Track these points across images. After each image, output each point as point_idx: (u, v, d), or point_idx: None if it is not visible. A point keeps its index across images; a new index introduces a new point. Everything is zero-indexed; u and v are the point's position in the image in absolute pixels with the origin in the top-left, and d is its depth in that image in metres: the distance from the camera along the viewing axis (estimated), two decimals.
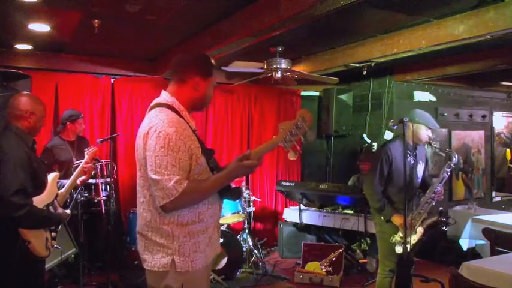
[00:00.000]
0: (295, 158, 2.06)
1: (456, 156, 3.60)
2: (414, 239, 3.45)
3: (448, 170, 3.53)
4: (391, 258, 3.55)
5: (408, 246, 3.23)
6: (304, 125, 2.01)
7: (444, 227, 3.53)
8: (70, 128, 4.63)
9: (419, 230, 3.50)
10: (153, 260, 1.97)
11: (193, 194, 1.92)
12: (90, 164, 3.86)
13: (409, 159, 3.51)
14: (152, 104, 2.11)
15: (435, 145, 3.69)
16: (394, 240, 3.48)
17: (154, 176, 1.87)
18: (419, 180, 3.70)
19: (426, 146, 3.79)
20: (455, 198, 6.49)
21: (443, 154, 3.61)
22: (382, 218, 3.56)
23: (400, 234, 3.41)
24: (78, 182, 3.80)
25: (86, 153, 4.06)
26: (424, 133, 3.55)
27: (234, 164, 2.00)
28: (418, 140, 3.58)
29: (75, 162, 4.31)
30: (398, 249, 3.41)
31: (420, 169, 3.69)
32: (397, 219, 3.45)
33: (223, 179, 2.00)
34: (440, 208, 3.60)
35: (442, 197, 3.59)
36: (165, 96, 2.10)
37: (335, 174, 6.81)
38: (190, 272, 1.96)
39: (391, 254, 3.51)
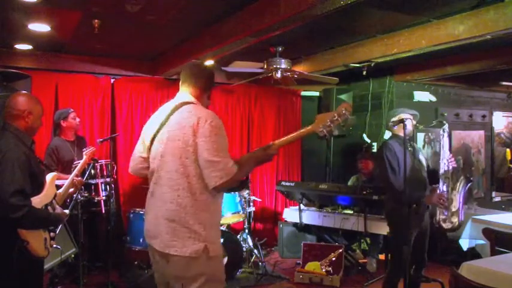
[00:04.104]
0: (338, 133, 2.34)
1: (445, 122, 3.79)
2: (455, 205, 3.60)
3: (445, 134, 3.72)
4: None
5: (454, 217, 3.55)
6: (346, 113, 2.27)
7: (471, 178, 3.77)
8: (65, 126, 4.66)
9: (455, 196, 3.61)
10: (183, 246, 2.09)
11: (239, 174, 2.16)
12: (80, 179, 3.81)
13: (412, 150, 3.73)
14: (177, 103, 2.30)
15: (422, 127, 3.90)
16: (438, 218, 3.63)
17: (215, 158, 2.08)
18: (425, 169, 3.85)
19: (424, 137, 3.96)
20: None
21: (434, 126, 3.94)
22: (415, 205, 3.54)
23: (437, 210, 3.61)
24: (70, 190, 3.76)
25: (84, 153, 4.08)
26: (409, 123, 3.66)
27: (260, 152, 2.30)
28: (408, 132, 3.64)
29: (75, 163, 4.32)
30: (447, 226, 3.60)
31: (423, 159, 3.86)
32: (428, 199, 3.61)
33: (253, 164, 2.30)
34: (459, 171, 3.85)
35: (454, 161, 3.75)
36: (189, 97, 2.32)
37: (335, 174, 6.81)
38: (217, 257, 2.18)
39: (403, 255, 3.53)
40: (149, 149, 2.33)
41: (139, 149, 2.40)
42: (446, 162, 3.67)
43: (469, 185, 3.68)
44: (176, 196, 2.13)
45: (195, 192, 2.14)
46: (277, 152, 2.32)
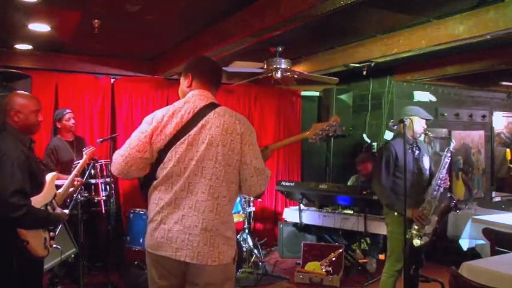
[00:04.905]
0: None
1: (453, 141, 3.72)
2: (429, 228, 3.51)
3: (448, 154, 3.61)
4: (401, 259, 3.55)
5: (426, 237, 3.44)
6: (336, 124, 2.56)
7: (457, 211, 3.60)
8: (62, 127, 4.67)
9: (434, 219, 3.54)
10: (220, 255, 2.03)
11: None
12: (80, 179, 3.79)
13: (416, 153, 3.64)
14: (207, 102, 2.14)
15: (431, 134, 3.77)
16: (410, 234, 3.52)
17: (262, 166, 2.13)
18: (428, 172, 3.76)
19: (424, 137, 3.86)
20: (455, 198, 6.48)
21: (441, 140, 3.80)
22: (396, 213, 3.57)
23: (415, 226, 3.50)
24: (69, 190, 3.75)
25: (84, 153, 4.08)
26: (418, 124, 3.64)
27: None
28: (415, 133, 3.65)
29: (74, 163, 4.33)
30: (416, 242, 3.48)
31: (426, 161, 3.75)
32: (410, 212, 3.49)
33: None
34: (449, 194, 3.71)
35: (448, 182, 3.67)
36: (212, 98, 2.20)
37: (335, 174, 6.81)
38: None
39: (401, 254, 3.52)
40: (162, 149, 2.07)
41: (140, 148, 2.06)
42: (439, 182, 3.56)
43: (450, 213, 3.63)
44: (216, 205, 2.03)
45: (232, 199, 2.10)
46: (271, 154, 2.41)
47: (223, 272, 2.06)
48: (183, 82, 2.24)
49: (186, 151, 2.04)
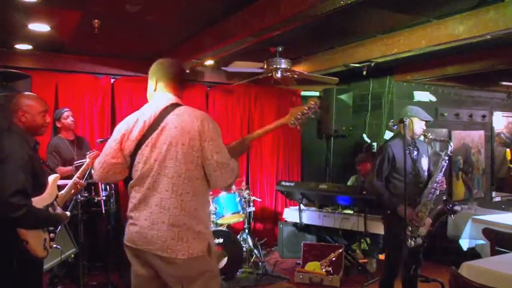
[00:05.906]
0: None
1: (451, 145, 3.69)
2: (423, 231, 3.50)
3: (446, 158, 3.59)
4: (398, 259, 3.54)
5: (418, 239, 3.42)
6: (316, 106, 2.55)
7: (452, 215, 3.58)
8: (62, 126, 4.69)
9: (428, 221, 3.52)
10: (189, 248, 2.10)
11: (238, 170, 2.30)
12: (82, 182, 3.77)
13: (414, 154, 3.62)
14: (167, 104, 2.25)
15: (430, 136, 3.71)
16: (408, 233, 3.50)
17: (225, 160, 2.16)
18: (426, 173, 3.73)
19: (423, 138, 3.82)
20: (455, 198, 6.50)
21: (440, 142, 3.75)
22: (388, 211, 3.57)
23: (409, 228, 3.48)
24: (71, 192, 3.73)
25: (87, 156, 4.07)
26: (418, 125, 3.62)
27: (237, 146, 2.44)
28: (414, 134, 3.63)
29: (75, 162, 4.32)
30: (410, 244, 3.47)
31: (425, 162, 3.72)
32: (402, 211, 3.45)
33: (236, 158, 2.35)
34: (445, 197, 3.70)
35: (445, 186, 3.65)
36: (174, 98, 2.30)
37: (335, 174, 6.81)
38: (215, 253, 2.23)
39: (398, 254, 3.51)
40: (132, 153, 2.24)
41: (113, 154, 2.27)
42: (435, 185, 3.53)
43: (445, 216, 3.59)
44: (180, 201, 2.13)
45: (198, 194, 2.17)
46: (251, 144, 2.49)
47: (195, 264, 2.12)
48: (150, 86, 2.39)
49: (150, 153, 2.18)
